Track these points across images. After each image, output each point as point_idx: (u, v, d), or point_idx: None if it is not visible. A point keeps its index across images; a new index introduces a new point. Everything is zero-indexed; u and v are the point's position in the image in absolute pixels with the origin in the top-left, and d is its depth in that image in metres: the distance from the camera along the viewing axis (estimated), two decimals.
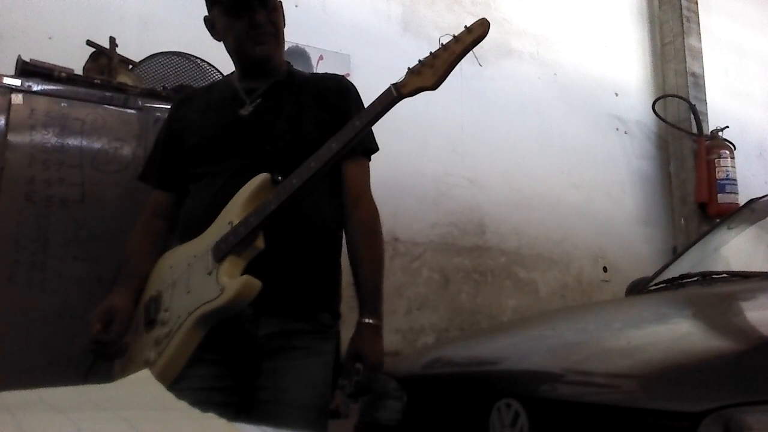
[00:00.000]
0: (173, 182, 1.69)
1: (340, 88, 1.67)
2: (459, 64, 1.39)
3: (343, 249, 1.65)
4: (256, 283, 1.37)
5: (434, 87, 1.38)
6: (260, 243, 1.41)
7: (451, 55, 1.37)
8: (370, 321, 1.53)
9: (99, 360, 1.54)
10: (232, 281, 1.38)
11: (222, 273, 1.39)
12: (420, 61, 1.40)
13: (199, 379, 1.42)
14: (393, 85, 1.40)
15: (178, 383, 1.41)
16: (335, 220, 1.63)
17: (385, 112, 1.41)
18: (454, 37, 1.38)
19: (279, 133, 1.56)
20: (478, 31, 1.37)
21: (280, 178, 1.45)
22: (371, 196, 1.64)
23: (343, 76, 1.74)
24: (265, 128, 1.57)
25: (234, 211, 1.45)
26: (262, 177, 1.47)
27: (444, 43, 1.39)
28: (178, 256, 1.58)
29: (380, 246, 1.61)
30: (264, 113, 1.59)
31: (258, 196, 1.44)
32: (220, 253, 1.42)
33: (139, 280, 1.62)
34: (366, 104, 1.57)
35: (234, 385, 1.48)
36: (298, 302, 1.51)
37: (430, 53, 1.39)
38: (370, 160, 1.67)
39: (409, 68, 1.40)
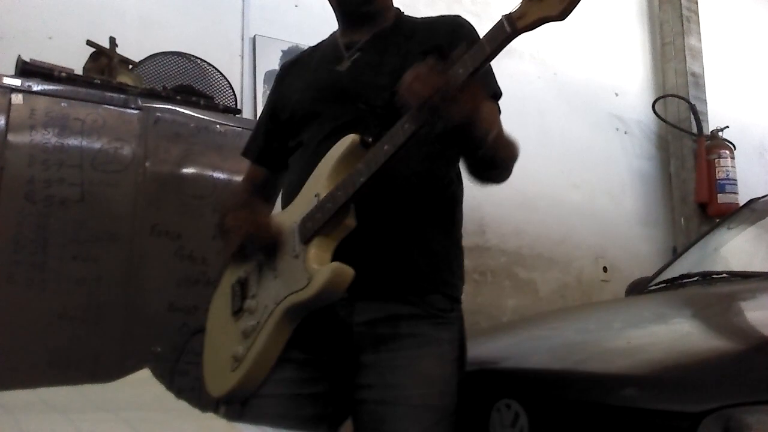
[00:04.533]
0: (270, 158, 1.52)
1: (452, 28, 1.40)
2: None
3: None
4: (348, 271, 1.16)
5: (561, 17, 1.04)
6: (351, 221, 1.22)
7: None
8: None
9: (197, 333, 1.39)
10: (320, 269, 1.19)
11: (310, 258, 1.21)
12: None
13: (285, 384, 1.24)
14: (505, 16, 1.08)
15: (260, 388, 1.24)
16: (448, 175, 1.38)
17: (496, 54, 1.10)
18: None
19: (377, 88, 1.32)
20: None
21: (371, 139, 1.22)
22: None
23: (459, 15, 1.45)
24: (362, 85, 1.35)
25: (320, 182, 1.25)
26: (349, 139, 1.23)
27: None
28: None
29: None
30: (363, 68, 1.37)
31: (347, 163, 1.23)
32: (307, 233, 1.22)
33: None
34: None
35: (328, 390, 1.27)
36: (401, 281, 1.26)
37: None
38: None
39: None
